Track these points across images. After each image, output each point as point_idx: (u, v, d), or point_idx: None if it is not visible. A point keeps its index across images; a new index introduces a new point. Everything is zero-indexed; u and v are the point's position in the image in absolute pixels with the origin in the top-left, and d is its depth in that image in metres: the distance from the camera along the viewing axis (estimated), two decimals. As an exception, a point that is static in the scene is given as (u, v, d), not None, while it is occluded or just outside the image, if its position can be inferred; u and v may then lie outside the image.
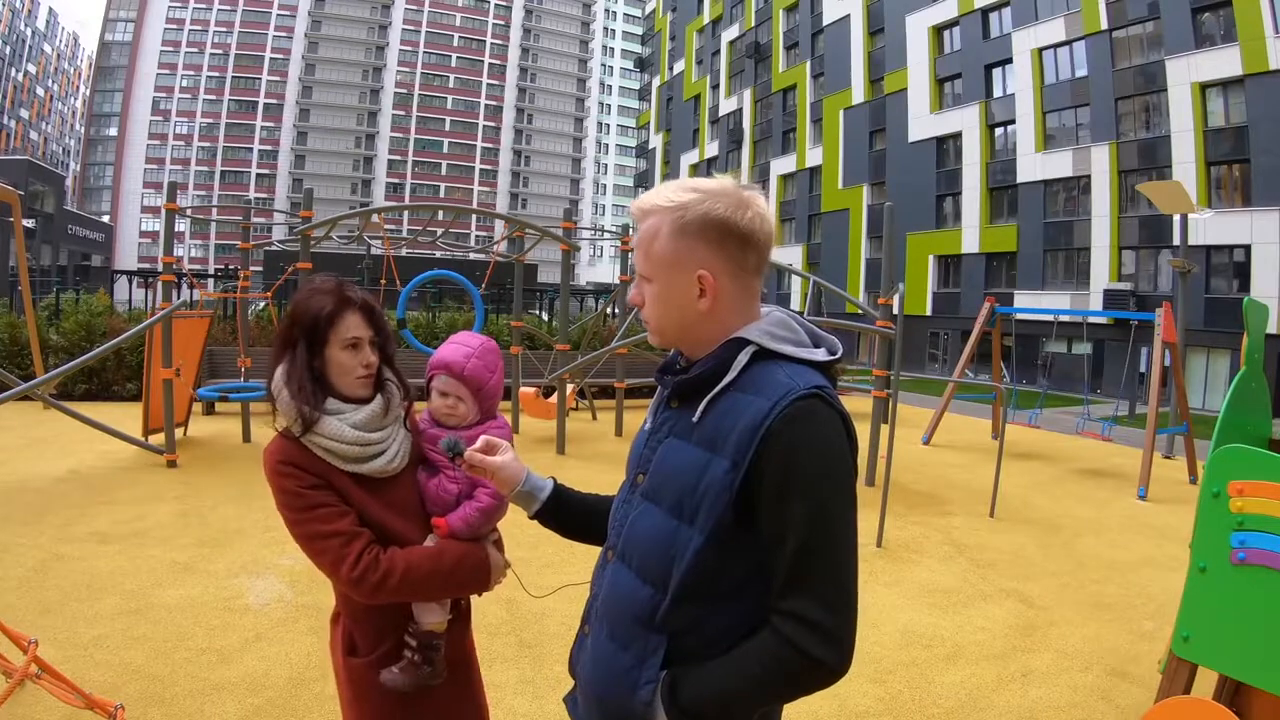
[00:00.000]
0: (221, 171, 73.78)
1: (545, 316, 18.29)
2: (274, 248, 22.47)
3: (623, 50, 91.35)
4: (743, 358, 1.20)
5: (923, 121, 31.49)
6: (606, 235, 16.57)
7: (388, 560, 1.56)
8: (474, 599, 1.84)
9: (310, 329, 1.61)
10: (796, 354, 1.22)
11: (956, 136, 30.16)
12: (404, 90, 79.30)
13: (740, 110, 44.80)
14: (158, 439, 7.52)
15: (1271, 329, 18.08)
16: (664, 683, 1.18)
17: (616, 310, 14.50)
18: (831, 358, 1.25)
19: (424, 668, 1.67)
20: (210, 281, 18.31)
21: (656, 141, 56.14)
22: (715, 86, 47.96)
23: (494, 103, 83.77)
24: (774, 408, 1.13)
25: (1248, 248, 21.27)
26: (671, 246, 1.21)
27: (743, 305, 1.25)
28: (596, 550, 1.42)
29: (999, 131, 29.01)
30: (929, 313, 30.83)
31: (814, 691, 1.13)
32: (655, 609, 1.20)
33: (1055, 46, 26.63)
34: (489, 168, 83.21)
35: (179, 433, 7.28)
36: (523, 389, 9.96)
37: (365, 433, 1.62)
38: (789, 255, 38.44)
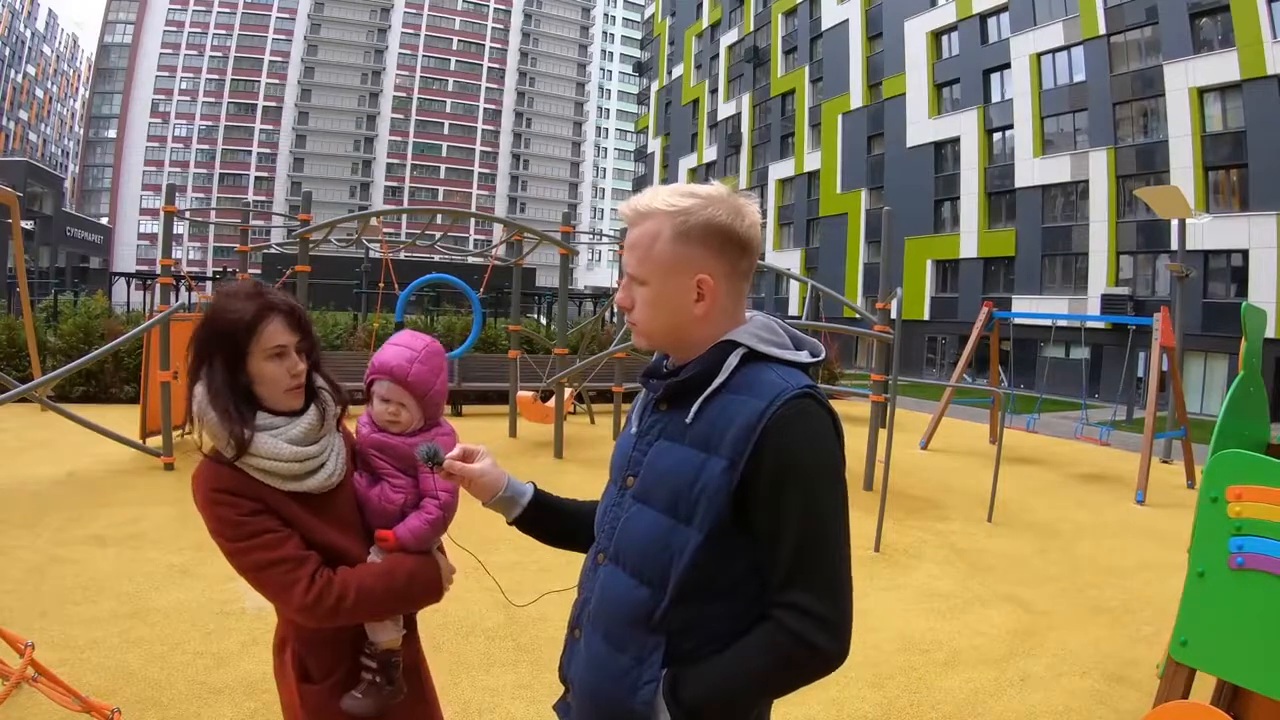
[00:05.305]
0: (220, 174, 73.77)
1: (543, 320, 18.29)
2: (272, 251, 22.47)
3: (622, 55, 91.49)
4: (733, 360, 1.22)
5: (921, 126, 31.55)
6: (605, 239, 16.58)
7: (340, 582, 1.47)
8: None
9: (228, 340, 1.45)
10: (783, 356, 1.25)
11: (955, 141, 30.21)
12: (403, 94, 79.34)
13: (739, 115, 44.85)
14: (155, 442, 7.52)
15: (1270, 333, 18.13)
16: (665, 681, 1.19)
17: (614, 315, 14.52)
18: (814, 360, 1.28)
19: (386, 687, 1.60)
20: (208, 284, 18.29)
21: (655, 145, 56.19)
22: (714, 91, 48.00)
23: (493, 106, 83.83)
24: (768, 407, 1.16)
25: (1245, 252, 21.31)
26: (673, 251, 1.22)
27: (733, 310, 1.27)
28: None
29: (997, 136, 29.05)
30: (927, 317, 30.84)
31: (814, 680, 1.17)
32: (653, 609, 1.21)
33: (1053, 51, 26.68)
34: (487, 171, 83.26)
35: (176, 435, 7.27)
36: (521, 393, 9.96)
37: (302, 447, 1.51)
38: (787, 259, 38.45)
